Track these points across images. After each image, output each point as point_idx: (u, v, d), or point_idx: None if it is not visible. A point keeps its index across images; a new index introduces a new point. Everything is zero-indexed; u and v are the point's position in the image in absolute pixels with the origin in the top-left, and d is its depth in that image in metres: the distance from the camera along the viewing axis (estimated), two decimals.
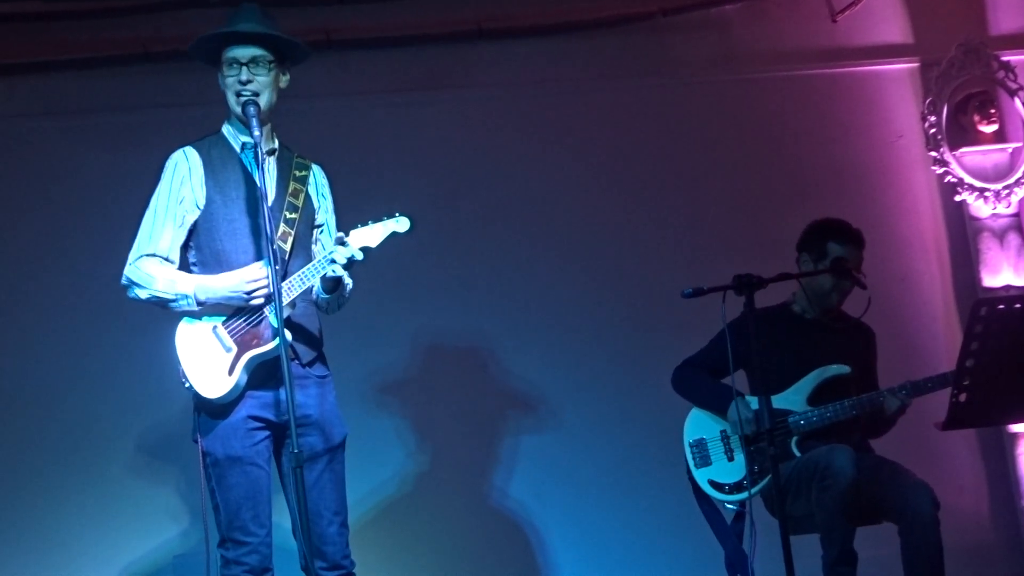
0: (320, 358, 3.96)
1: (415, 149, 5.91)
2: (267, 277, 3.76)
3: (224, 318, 3.84)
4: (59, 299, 5.63)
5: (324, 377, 3.95)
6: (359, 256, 3.80)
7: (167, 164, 3.93)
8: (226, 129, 3.97)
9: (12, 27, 5.69)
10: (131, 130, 5.66)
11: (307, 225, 3.99)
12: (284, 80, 3.96)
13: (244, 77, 3.84)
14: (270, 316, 3.80)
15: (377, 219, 3.87)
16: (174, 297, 3.83)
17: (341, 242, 3.80)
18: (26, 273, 5.67)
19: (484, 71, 6.01)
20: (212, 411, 3.81)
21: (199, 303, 3.81)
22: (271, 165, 3.95)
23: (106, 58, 5.74)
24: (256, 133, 3.76)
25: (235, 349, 3.79)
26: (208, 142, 3.96)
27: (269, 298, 3.76)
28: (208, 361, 3.79)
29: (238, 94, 3.84)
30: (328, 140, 5.70)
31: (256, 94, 3.84)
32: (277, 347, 3.72)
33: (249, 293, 3.78)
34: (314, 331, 3.95)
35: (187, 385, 3.80)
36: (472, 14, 5.93)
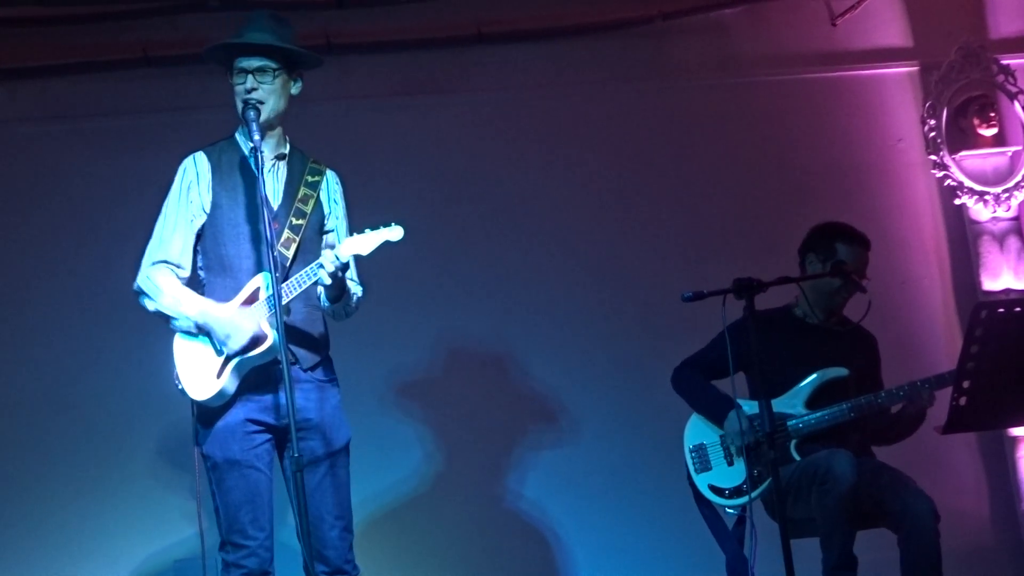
0: (324, 362, 3.97)
1: (415, 153, 5.91)
2: (249, 330, 3.77)
3: None
4: (61, 303, 5.63)
5: (326, 381, 3.95)
6: (343, 260, 3.79)
7: (178, 170, 3.96)
8: (237, 134, 4.00)
9: (13, 31, 5.69)
10: (132, 134, 5.66)
11: (315, 231, 3.99)
12: (295, 87, 3.97)
13: (249, 85, 3.86)
14: (262, 321, 3.81)
15: (373, 227, 3.87)
16: (175, 316, 3.86)
17: (330, 247, 3.83)
18: (29, 277, 5.67)
19: (484, 75, 6.01)
20: (211, 415, 3.82)
21: (198, 327, 3.83)
22: (281, 170, 3.96)
23: (107, 62, 5.74)
24: (256, 138, 3.77)
25: (226, 353, 3.81)
26: (219, 147, 3.98)
27: (238, 353, 3.77)
28: (199, 364, 3.81)
29: (245, 102, 3.86)
30: (328, 144, 5.64)
31: (261, 102, 3.85)
32: (267, 352, 3.77)
33: (227, 336, 3.78)
34: (316, 336, 3.96)
35: (179, 387, 3.83)
36: (472, 18, 5.94)
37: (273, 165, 3.95)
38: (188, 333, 3.85)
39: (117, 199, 5.46)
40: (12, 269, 5.68)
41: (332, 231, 4.05)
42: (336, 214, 4.07)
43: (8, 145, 5.74)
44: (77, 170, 5.72)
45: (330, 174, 4.08)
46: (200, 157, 3.95)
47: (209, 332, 3.80)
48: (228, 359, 3.79)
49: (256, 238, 3.87)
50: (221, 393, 3.79)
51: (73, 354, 5.61)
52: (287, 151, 3.99)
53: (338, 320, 4.06)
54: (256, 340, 3.79)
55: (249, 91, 3.85)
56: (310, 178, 3.99)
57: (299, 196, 3.95)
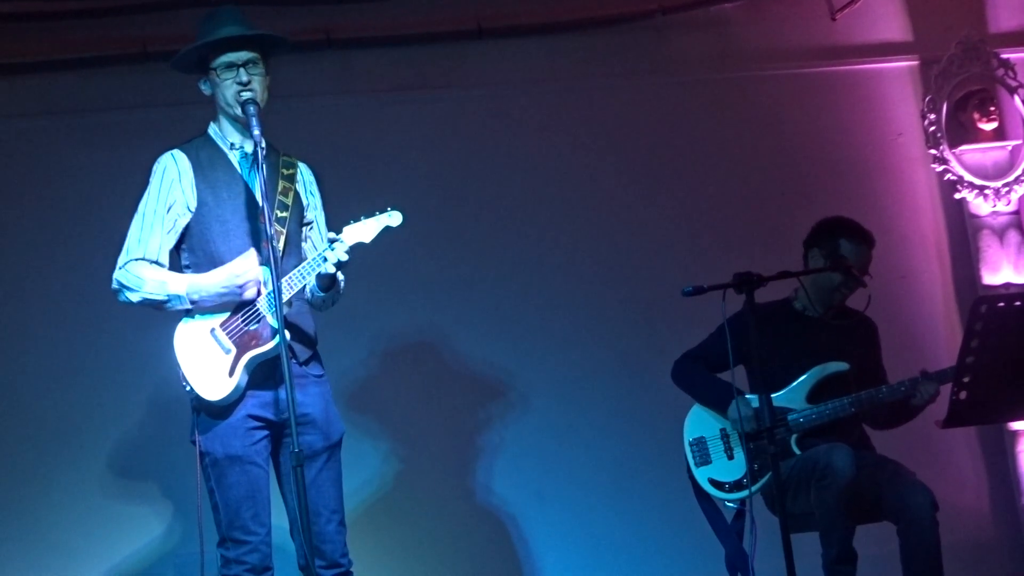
0: (316, 356, 3.97)
1: (415, 148, 5.91)
2: (256, 267, 3.77)
3: (221, 319, 3.83)
4: (59, 297, 5.63)
5: (321, 376, 3.96)
6: (348, 250, 3.81)
7: (155, 168, 3.93)
8: (212, 130, 3.98)
9: (12, 26, 5.69)
10: (131, 129, 5.66)
11: (297, 223, 3.99)
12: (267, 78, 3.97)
13: (244, 78, 3.85)
14: (267, 316, 3.80)
15: (370, 214, 3.88)
16: (166, 298, 3.83)
17: (334, 240, 3.82)
18: (26, 272, 5.67)
19: (484, 70, 6.01)
20: (211, 411, 3.81)
21: (192, 302, 3.81)
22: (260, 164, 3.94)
23: (106, 57, 5.73)
24: (256, 132, 3.77)
25: (234, 350, 3.79)
26: (196, 144, 3.96)
27: (255, 297, 3.78)
28: (208, 363, 3.79)
29: (238, 95, 3.84)
30: (328, 139, 5.72)
31: (255, 92, 3.85)
32: (276, 347, 3.75)
33: (241, 286, 3.78)
34: (309, 330, 3.96)
35: (188, 388, 3.80)
36: (472, 13, 5.93)
37: (262, 160, 3.93)
38: (188, 315, 3.83)
39: (117, 193, 5.40)
40: (10, 264, 5.67)
41: (312, 223, 4.05)
42: (314, 205, 4.07)
43: (7, 140, 5.74)
44: (76, 165, 5.72)
45: (303, 166, 4.07)
46: (179, 155, 3.92)
47: (217, 301, 3.78)
48: (239, 356, 3.76)
49: (245, 233, 3.86)
50: (235, 390, 3.78)
51: (70, 346, 5.60)
52: (263, 145, 3.93)
53: (323, 310, 4.06)
54: (260, 334, 3.77)
55: (245, 84, 3.84)
56: (285, 171, 3.98)
57: (279, 189, 3.94)
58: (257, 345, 3.79)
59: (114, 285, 3.89)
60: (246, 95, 3.83)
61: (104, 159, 5.69)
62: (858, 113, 6.18)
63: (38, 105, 5.76)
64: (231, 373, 3.78)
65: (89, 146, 5.74)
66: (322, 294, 3.97)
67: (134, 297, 3.86)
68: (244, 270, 3.78)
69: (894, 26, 6.22)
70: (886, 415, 4.69)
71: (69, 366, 5.60)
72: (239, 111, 3.84)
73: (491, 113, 6.01)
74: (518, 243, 5.92)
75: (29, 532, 5.51)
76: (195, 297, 3.80)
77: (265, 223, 3.72)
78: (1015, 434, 5.97)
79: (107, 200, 5.54)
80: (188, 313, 3.84)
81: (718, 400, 4.61)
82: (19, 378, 5.61)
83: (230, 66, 3.86)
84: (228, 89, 3.86)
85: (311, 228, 4.05)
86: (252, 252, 3.81)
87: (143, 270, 3.85)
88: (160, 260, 3.88)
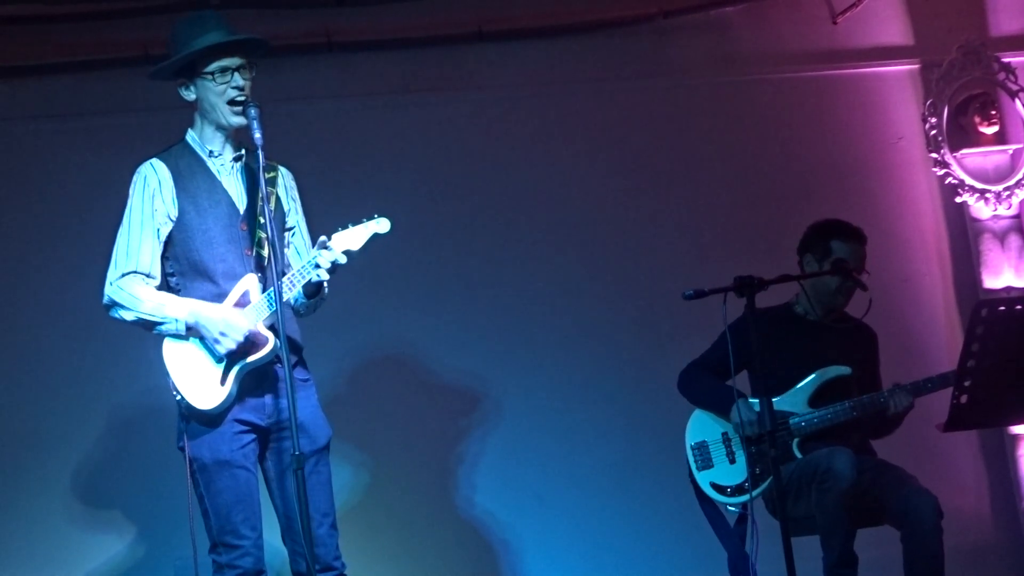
0: (301, 362, 3.95)
1: (415, 151, 5.91)
2: (246, 328, 3.74)
3: None
4: (57, 300, 5.61)
5: (306, 380, 3.94)
6: (343, 260, 3.79)
7: (135, 178, 3.90)
8: (190, 137, 3.94)
9: (13, 29, 5.69)
10: (133, 132, 5.63)
11: (280, 230, 3.96)
12: None
13: (241, 82, 3.83)
14: (258, 324, 3.78)
15: (357, 221, 3.85)
16: (162, 320, 3.79)
17: (324, 246, 3.78)
18: (25, 274, 5.66)
19: (485, 73, 6.01)
20: (199, 418, 3.78)
21: (188, 327, 3.77)
22: (239, 171, 3.92)
23: (107, 60, 5.73)
24: (258, 135, 3.74)
25: (226, 359, 3.77)
26: (175, 152, 3.92)
27: (233, 354, 3.74)
28: (199, 373, 3.77)
29: (233, 100, 3.81)
30: (328, 142, 5.71)
31: (248, 96, 3.82)
32: (268, 354, 3.76)
33: (234, 342, 3.74)
34: (295, 335, 3.94)
35: (179, 398, 3.77)
36: (473, 16, 5.93)
37: (232, 167, 3.92)
38: (176, 337, 3.79)
39: (118, 197, 5.42)
40: (12, 266, 5.67)
41: (294, 228, 4.03)
42: (295, 211, 4.04)
43: (9, 143, 5.73)
44: (78, 168, 5.71)
45: (283, 171, 4.03)
46: (158, 164, 3.88)
47: (200, 332, 3.75)
48: (230, 365, 3.76)
49: (228, 241, 3.84)
50: (228, 399, 3.76)
51: (65, 350, 5.58)
52: (243, 152, 3.93)
53: (305, 316, 4.04)
54: (253, 342, 3.76)
55: (241, 88, 3.82)
56: (267, 174, 3.91)
57: (260, 196, 3.89)
58: (249, 353, 3.78)
59: (105, 300, 3.85)
60: (243, 98, 3.81)
61: (105, 162, 5.65)
62: (859, 117, 6.18)
63: (39, 108, 5.75)
64: (223, 382, 3.76)
65: (91, 149, 5.72)
66: (306, 300, 3.95)
67: (128, 316, 3.82)
68: (236, 326, 3.73)
69: (895, 30, 6.23)
70: (876, 424, 4.69)
71: (66, 369, 5.58)
72: (235, 116, 3.81)
73: (492, 116, 6.01)
74: (520, 246, 5.92)
75: (25, 537, 5.49)
76: (191, 322, 3.77)
77: (268, 226, 3.71)
78: (1016, 438, 5.97)
79: (107, 203, 5.46)
80: (177, 336, 3.80)
81: (719, 404, 4.61)
82: (16, 380, 5.59)
83: (225, 70, 3.82)
84: (223, 94, 3.82)
85: (293, 234, 4.02)
86: (252, 310, 3.78)
87: (138, 288, 3.81)
88: (152, 272, 3.85)
